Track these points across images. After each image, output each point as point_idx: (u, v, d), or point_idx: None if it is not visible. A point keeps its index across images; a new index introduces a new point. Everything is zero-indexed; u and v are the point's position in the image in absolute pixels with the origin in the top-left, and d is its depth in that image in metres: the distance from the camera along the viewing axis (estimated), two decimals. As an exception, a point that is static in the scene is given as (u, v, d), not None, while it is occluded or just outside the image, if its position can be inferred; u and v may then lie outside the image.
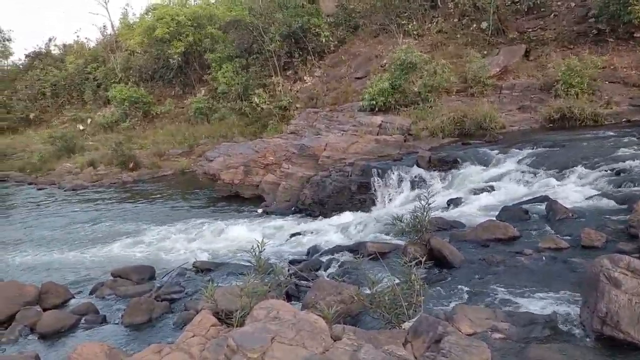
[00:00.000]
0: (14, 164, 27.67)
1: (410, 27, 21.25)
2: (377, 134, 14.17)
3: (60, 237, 13.19)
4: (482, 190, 9.89)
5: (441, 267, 6.29)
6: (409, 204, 10.32)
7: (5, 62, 43.37)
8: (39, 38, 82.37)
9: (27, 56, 42.48)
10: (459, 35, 20.03)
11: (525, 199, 8.85)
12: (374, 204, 11.25)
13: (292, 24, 23.53)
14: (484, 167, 10.83)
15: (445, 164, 11.15)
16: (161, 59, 31.21)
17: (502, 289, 5.30)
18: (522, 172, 10.00)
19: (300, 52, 25.06)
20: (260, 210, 13.57)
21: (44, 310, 7.34)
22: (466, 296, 5.33)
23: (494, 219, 7.83)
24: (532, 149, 11.13)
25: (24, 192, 21.83)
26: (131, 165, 22.65)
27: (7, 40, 42.19)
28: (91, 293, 8.30)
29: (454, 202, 9.62)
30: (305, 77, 24.98)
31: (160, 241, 11.55)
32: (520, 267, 5.88)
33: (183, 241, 11.30)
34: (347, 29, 24.86)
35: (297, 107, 23.67)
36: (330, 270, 7.18)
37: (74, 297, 8.06)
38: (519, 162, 10.60)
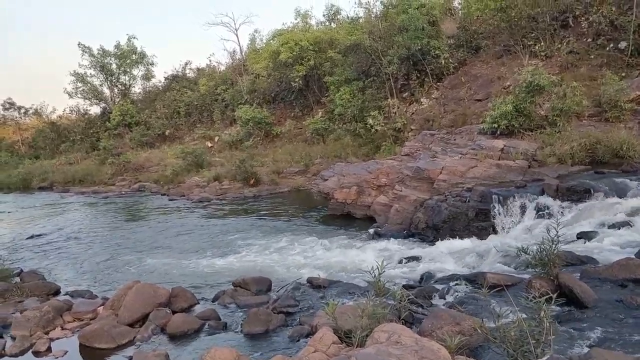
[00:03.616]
0: (150, 176, 30.67)
1: (537, 47, 20.19)
2: (499, 159, 13.54)
3: (186, 244, 14.25)
4: (619, 224, 9.01)
5: (570, 306, 5.82)
6: (532, 234, 9.72)
7: (148, 84, 48.61)
8: (177, 62, 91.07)
9: (166, 79, 47.29)
10: (592, 56, 18.60)
11: (671, 236, 7.91)
12: (493, 232, 10.71)
13: (411, 46, 23.54)
14: (621, 199, 9.85)
15: (575, 194, 10.32)
16: (283, 82, 32.91)
17: (644, 336, 4.77)
18: (668, 206, 8.96)
19: (418, 74, 24.96)
20: (371, 231, 13.55)
21: (173, 312, 7.93)
22: (600, 339, 4.87)
23: (633, 256, 7.09)
24: (681, 180, 9.93)
25: (158, 202, 24.01)
26: (252, 181, 24.01)
27: (151, 64, 47.32)
28: (214, 300, 8.83)
29: (585, 236, 8.86)
30: (422, 99, 24.77)
31: (276, 254, 12.00)
32: (666, 313, 5.25)
33: (297, 256, 11.64)
34: (468, 50, 24.31)
35: (411, 129, 23.54)
36: (446, 299, 6.96)
37: (198, 303, 8.62)
38: (664, 195, 9.50)
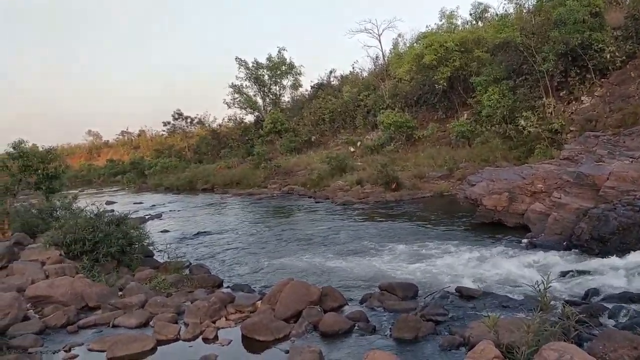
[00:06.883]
0: (298, 179, 32.34)
1: None
2: (681, 164, 11.83)
3: (332, 244, 14.66)
4: None
5: None
6: None
7: (296, 93, 51.37)
8: (322, 70, 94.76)
9: (312, 87, 49.52)
10: None
11: None
12: (674, 247, 9.38)
13: (570, 41, 21.61)
14: None
15: None
16: (426, 84, 32.44)
17: None
18: None
19: (578, 71, 22.83)
20: (525, 241, 12.70)
21: (324, 311, 8.20)
22: None
23: None
24: None
25: (305, 204, 25.19)
26: (393, 185, 23.99)
27: (299, 74, 49.89)
28: (361, 302, 8.93)
29: None
30: (582, 98, 22.60)
31: (421, 261, 11.79)
32: None
33: (444, 264, 11.30)
34: (639, 42, 21.57)
35: (570, 130, 21.60)
36: (618, 320, 6.26)
37: (347, 304, 8.80)
38: None
